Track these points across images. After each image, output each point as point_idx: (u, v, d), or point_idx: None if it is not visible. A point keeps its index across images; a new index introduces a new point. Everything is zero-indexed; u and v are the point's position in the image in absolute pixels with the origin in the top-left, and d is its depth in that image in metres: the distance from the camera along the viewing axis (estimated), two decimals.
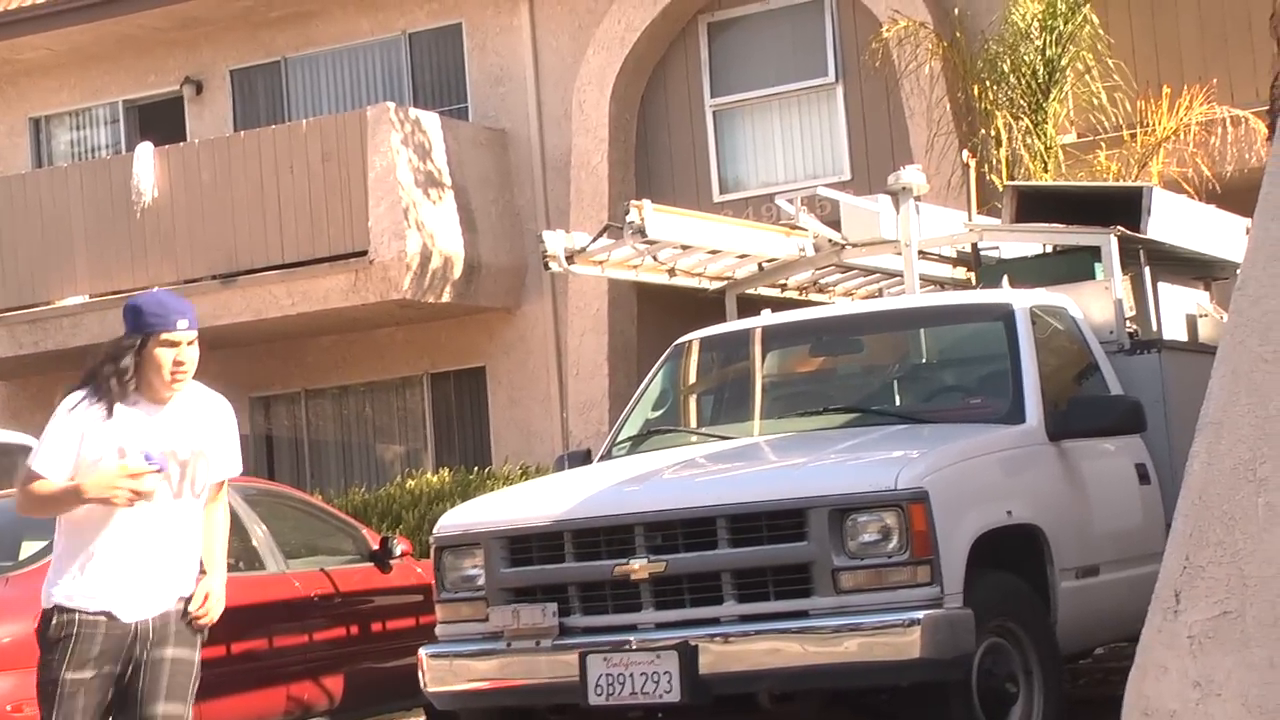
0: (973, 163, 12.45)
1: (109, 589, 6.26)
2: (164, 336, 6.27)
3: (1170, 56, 16.76)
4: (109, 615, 6.25)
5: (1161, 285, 11.02)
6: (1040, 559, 8.55)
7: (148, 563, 6.31)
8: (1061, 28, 15.41)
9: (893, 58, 17.31)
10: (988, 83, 16.02)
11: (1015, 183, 13.16)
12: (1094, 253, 10.68)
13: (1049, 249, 11.53)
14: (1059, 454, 8.99)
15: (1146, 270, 10.85)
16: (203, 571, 6.56)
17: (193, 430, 6.44)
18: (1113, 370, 9.75)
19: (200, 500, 6.48)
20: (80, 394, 6.33)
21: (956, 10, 17.27)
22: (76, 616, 6.23)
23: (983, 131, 16.19)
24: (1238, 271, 6.19)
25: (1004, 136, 15.72)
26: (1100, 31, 15.83)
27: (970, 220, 11.67)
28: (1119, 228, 10.54)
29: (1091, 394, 9.54)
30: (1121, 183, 13.86)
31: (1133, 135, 15.74)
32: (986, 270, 11.54)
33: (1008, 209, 11.64)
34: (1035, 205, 11.55)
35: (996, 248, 11.73)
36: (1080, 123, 16.99)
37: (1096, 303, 10.26)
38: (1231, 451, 5.87)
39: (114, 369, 6.28)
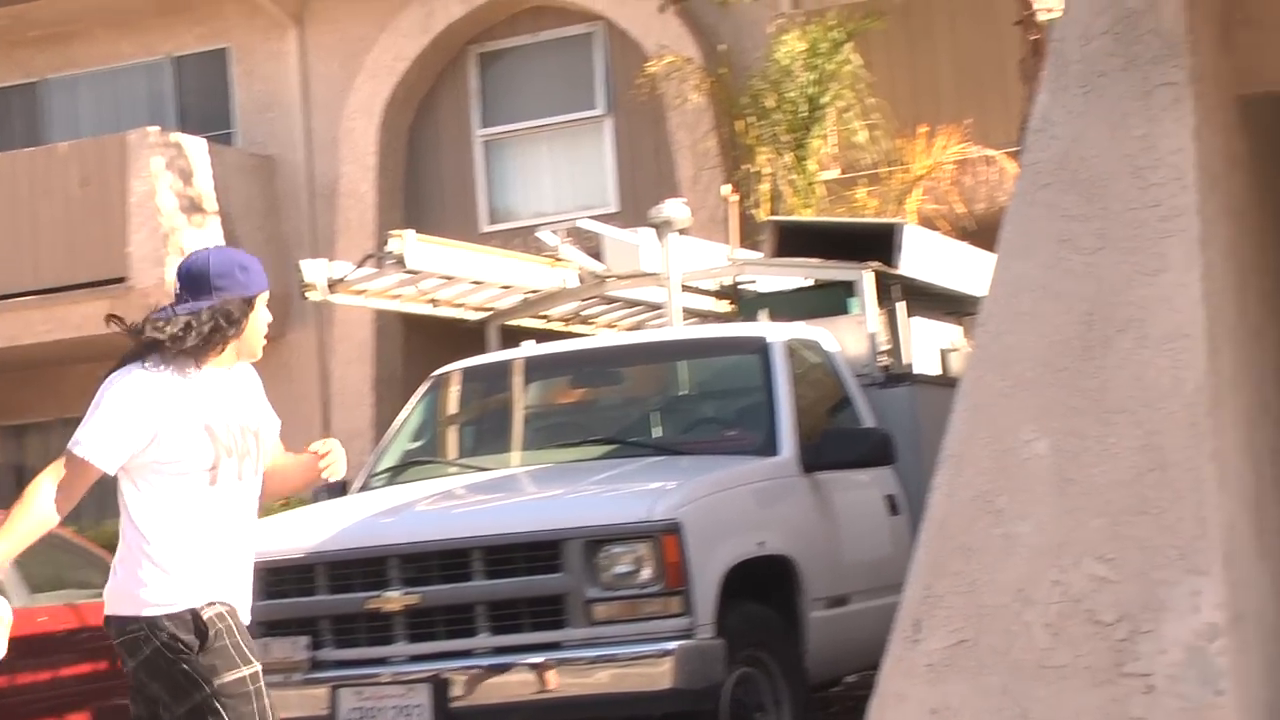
0: (734, 197, 12.63)
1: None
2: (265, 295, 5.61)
3: (928, 97, 17.14)
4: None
5: (915, 320, 11.24)
6: (791, 589, 8.68)
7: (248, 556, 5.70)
8: (824, 66, 15.70)
9: (660, 92, 17.50)
10: (752, 118, 16.28)
11: (775, 217, 13.38)
12: (850, 287, 10.88)
13: (808, 283, 11.72)
14: (812, 485, 9.14)
15: (901, 305, 11.06)
16: None
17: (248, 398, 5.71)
18: (866, 403, 9.94)
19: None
20: (144, 365, 5.43)
21: (723, 47, 17.51)
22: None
23: (747, 166, 16.43)
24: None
25: (768, 171, 15.97)
26: (861, 71, 16.15)
27: (731, 254, 11.83)
28: (874, 263, 10.77)
29: (844, 427, 9.72)
30: (878, 219, 14.13)
31: (891, 172, 16.07)
32: (746, 304, 11.72)
33: (768, 243, 11.84)
34: (795, 240, 11.76)
35: (754, 281, 11.91)
36: (842, 159, 17.32)
37: (852, 336, 10.46)
38: (971, 484, 6.02)
39: (221, 328, 5.42)
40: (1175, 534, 5.62)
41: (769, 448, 9.18)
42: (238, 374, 5.61)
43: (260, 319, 5.54)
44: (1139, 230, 5.90)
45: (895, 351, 10.93)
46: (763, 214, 15.16)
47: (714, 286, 12.11)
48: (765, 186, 15.91)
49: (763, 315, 10.65)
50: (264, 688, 5.43)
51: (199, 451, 5.37)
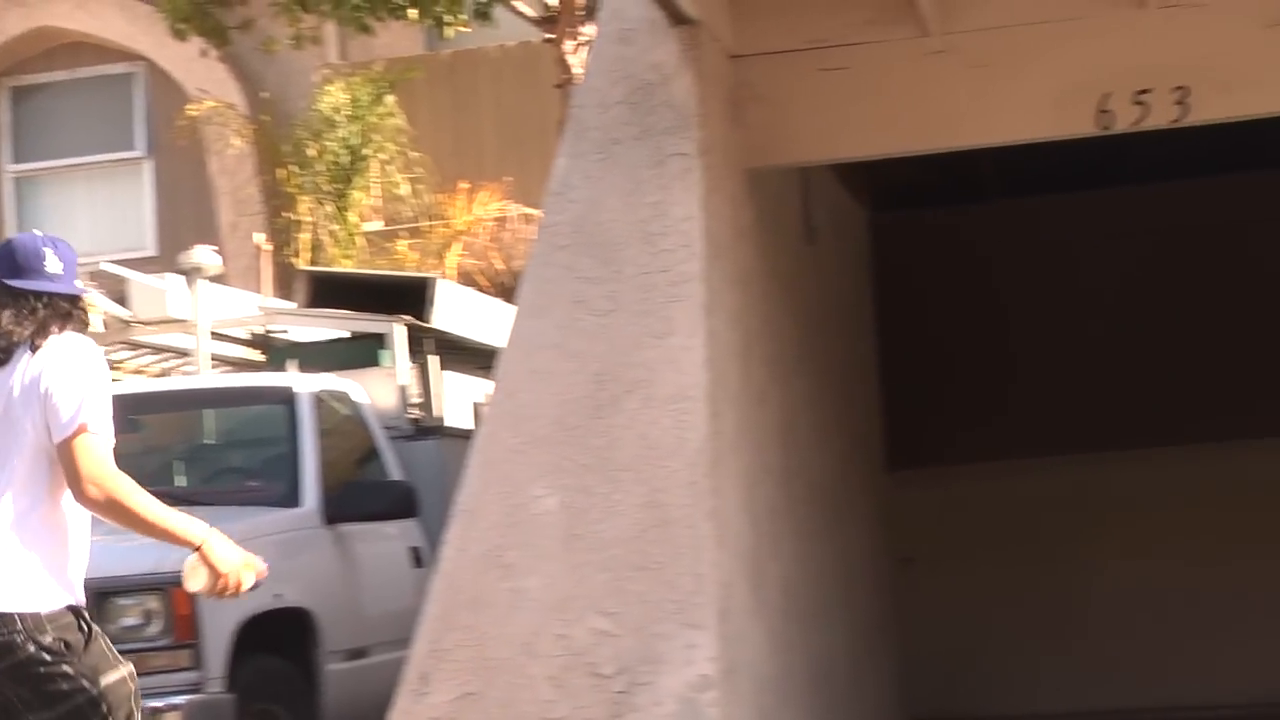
0: (268, 246, 12.56)
1: None
2: None
3: (471, 154, 17.31)
4: None
5: (448, 373, 11.34)
6: (309, 642, 8.64)
7: None
8: (366, 118, 15.69)
9: (201, 136, 17.30)
10: (295, 167, 16.18)
11: (309, 268, 13.33)
12: (382, 340, 10.92)
13: (344, 334, 11.71)
14: (335, 537, 9.11)
15: (434, 359, 11.13)
16: None
17: None
18: (394, 455, 9.96)
19: None
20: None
21: (266, 94, 17.38)
22: None
23: (288, 215, 16.33)
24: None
25: (309, 220, 15.89)
26: (404, 125, 16.21)
27: (261, 303, 11.76)
28: (406, 317, 10.84)
29: (367, 479, 9.73)
30: (411, 273, 14.18)
31: (432, 227, 16.17)
32: (276, 353, 11.63)
33: (301, 293, 11.82)
34: (330, 291, 11.76)
35: (286, 331, 11.84)
36: (384, 211, 17.36)
37: (383, 389, 10.49)
38: (482, 538, 6.10)
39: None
40: (674, 589, 5.79)
41: (291, 499, 9.11)
42: None
43: None
44: (649, 294, 6.07)
45: (427, 404, 11.00)
46: (302, 263, 15.07)
47: (246, 335, 11.99)
48: (306, 236, 15.82)
49: (292, 365, 10.62)
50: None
51: None
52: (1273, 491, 10.45)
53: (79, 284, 5.22)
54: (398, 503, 9.24)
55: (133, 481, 4.88)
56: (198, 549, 4.90)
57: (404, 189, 16.25)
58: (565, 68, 14.14)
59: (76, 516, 4.99)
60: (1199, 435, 10.59)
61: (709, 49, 6.37)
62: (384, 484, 9.58)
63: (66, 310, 5.08)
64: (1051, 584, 10.84)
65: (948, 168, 8.93)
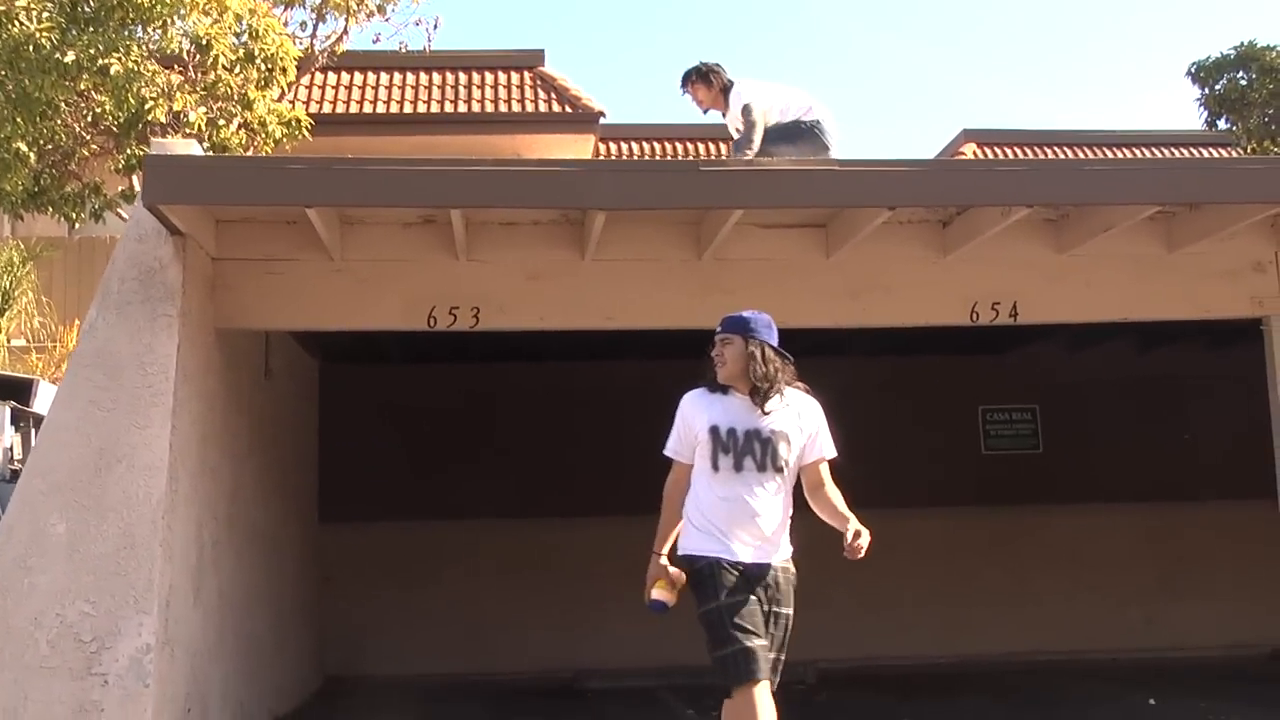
0: None
1: None
2: None
3: (86, 302, 16.30)
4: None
5: None
6: None
7: None
8: (14, 274, 14.53)
9: None
10: None
11: None
12: None
13: None
14: None
15: (33, 431, 10.43)
16: None
17: None
18: None
19: None
20: None
21: None
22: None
23: None
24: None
25: None
26: (35, 281, 15.07)
27: None
28: (12, 402, 10.22)
29: None
30: (22, 374, 13.12)
31: (55, 346, 15.08)
32: None
33: None
34: None
35: None
36: (27, 333, 16.07)
37: None
38: (14, 548, 5.77)
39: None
40: (133, 588, 5.60)
41: None
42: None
43: None
44: (137, 401, 5.93)
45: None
46: None
47: None
48: None
49: None
50: None
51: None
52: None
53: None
54: None
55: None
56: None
57: (37, 322, 15.11)
58: None
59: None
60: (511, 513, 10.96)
61: (194, 251, 6.30)
62: None
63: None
64: (419, 595, 11.01)
65: (368, 339, 8.94)
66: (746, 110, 6.69)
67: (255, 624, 7.82)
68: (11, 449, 10.12)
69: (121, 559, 5.72)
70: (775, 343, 4.54)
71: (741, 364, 4.47)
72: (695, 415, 4.51)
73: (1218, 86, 15.99)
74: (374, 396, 10.95)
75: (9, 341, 15.25)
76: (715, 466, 4.43)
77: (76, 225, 12.36)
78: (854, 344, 9.31)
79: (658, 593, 4.45)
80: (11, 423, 10.22)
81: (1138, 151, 18.83)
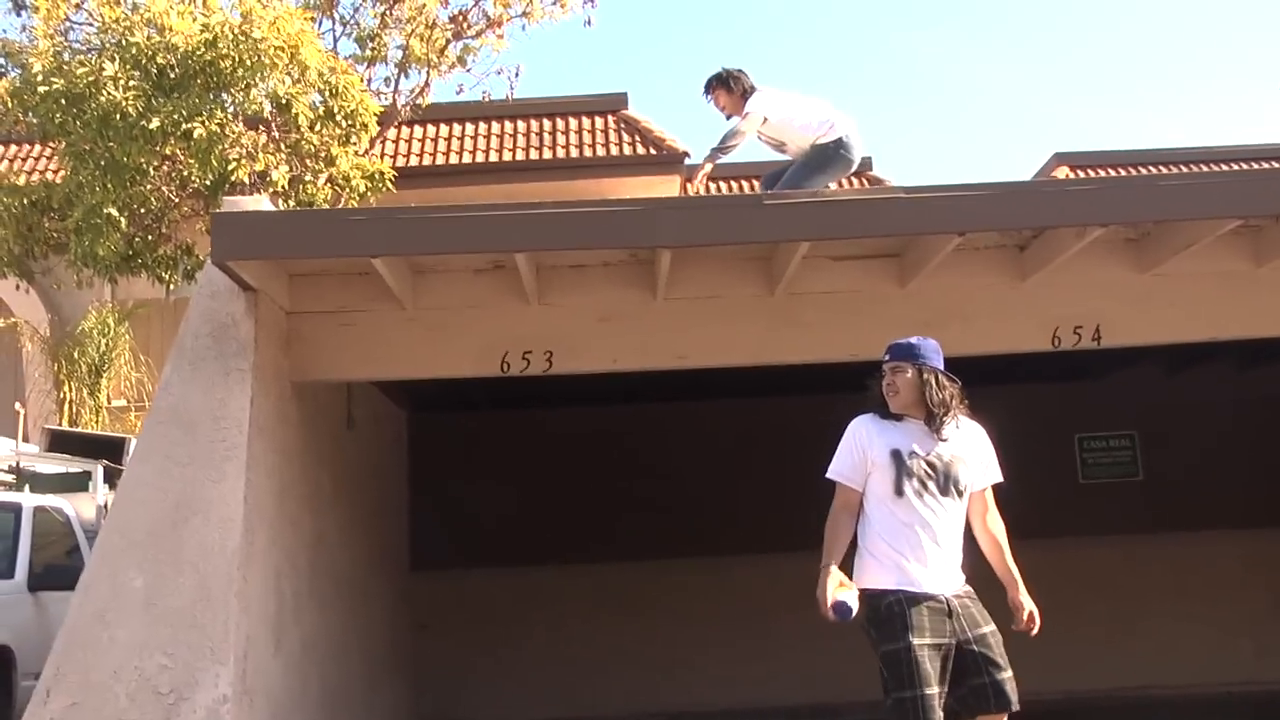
0: (22, 410, 11.89)
1: None
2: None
3: None
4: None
5: None
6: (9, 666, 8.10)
7: None
8: (110, 333, 14.99)
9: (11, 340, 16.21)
10: (65, 363, 15.33)
11: (48, 426, 12.66)
12: (90, 475, 10.47)
13: (70, 469, 11.14)
14: (35, 600, 8.59)
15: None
16: None
17: None
18: (89, 547, 9.44)
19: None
20: None
21: (53, 317, 16.41)
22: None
23: (63, 393, 15.38)
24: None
25: (72, 399, 15.03)
26: (132, 342, 15.44)
27: (15, 448, 11.12)
28: (105, 460, 10.42)
29: (62, 563, 9.19)
30: (115, 433, 13.50)
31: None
32: (24, 479, 10.99)
33: (42, 442, 11.23)
34: (63, 441, 11.22)
35: (33, 466, 11.20)
36: (128, 394, 16.45)
37: (88, 506, 10.01)
38: (93, 602, 5.83)
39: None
40: (209, 639, 5.61)
41: (9, 573, 8.56)
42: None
43: None
44: (211, 455, 5.97)
45: None
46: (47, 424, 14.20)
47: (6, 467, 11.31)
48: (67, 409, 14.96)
49: (27, 488, 10.06)
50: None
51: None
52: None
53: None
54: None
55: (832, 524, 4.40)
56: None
57: (134, 379, 15.48)
58: None
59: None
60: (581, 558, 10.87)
61: (267, 306, 6.36)
62: (70, 566, 9.10)
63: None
64: (509, 642, 10.96)
65: (455, 387, 8.97)
66: (746, 116, 6.64)
67: (343, 672, 7.80)
68: (105, 506, 10.29)
69: (198, 611, 5.73)
70: (943, 367, 4.50)
71: (916, 392, 4.44)
72: (871, 440, 4.44)
73: None
74: (461, 444, 10.95)
75: (109, 402, 15.60)
76: (899, 491, 4.37)
77: (171, 287, 12.62)
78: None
79: (842, 594, 4.28)
80: (105, 480, 10.40)
81: (1230, 166, 18.29)
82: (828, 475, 4.45)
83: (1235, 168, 18.22)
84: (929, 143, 49.81)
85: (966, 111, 51.24)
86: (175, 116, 10.22)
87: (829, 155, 6.69)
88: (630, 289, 6.59)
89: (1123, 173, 18.75)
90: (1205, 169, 18.41)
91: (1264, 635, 11.02)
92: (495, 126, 16.03)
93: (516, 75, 13.45)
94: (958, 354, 6.66)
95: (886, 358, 4.52)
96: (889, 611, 4.28)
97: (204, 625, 5.71)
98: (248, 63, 10.46)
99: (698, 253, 6.31)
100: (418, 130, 15.93)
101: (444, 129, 15.97)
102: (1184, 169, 18.82)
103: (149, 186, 10.82)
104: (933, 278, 6.49)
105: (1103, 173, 19.05)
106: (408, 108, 13.14)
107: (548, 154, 15.61)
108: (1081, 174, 19.05)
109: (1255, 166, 17.89)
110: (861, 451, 4.43)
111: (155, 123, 10.26)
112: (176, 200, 11.37)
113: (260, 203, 6.50)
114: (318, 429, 7.33)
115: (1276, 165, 17.72)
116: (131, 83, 10.35)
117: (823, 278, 6.54)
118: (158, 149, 10.49)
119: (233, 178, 10.31)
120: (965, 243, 6.37)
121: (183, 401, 6.11)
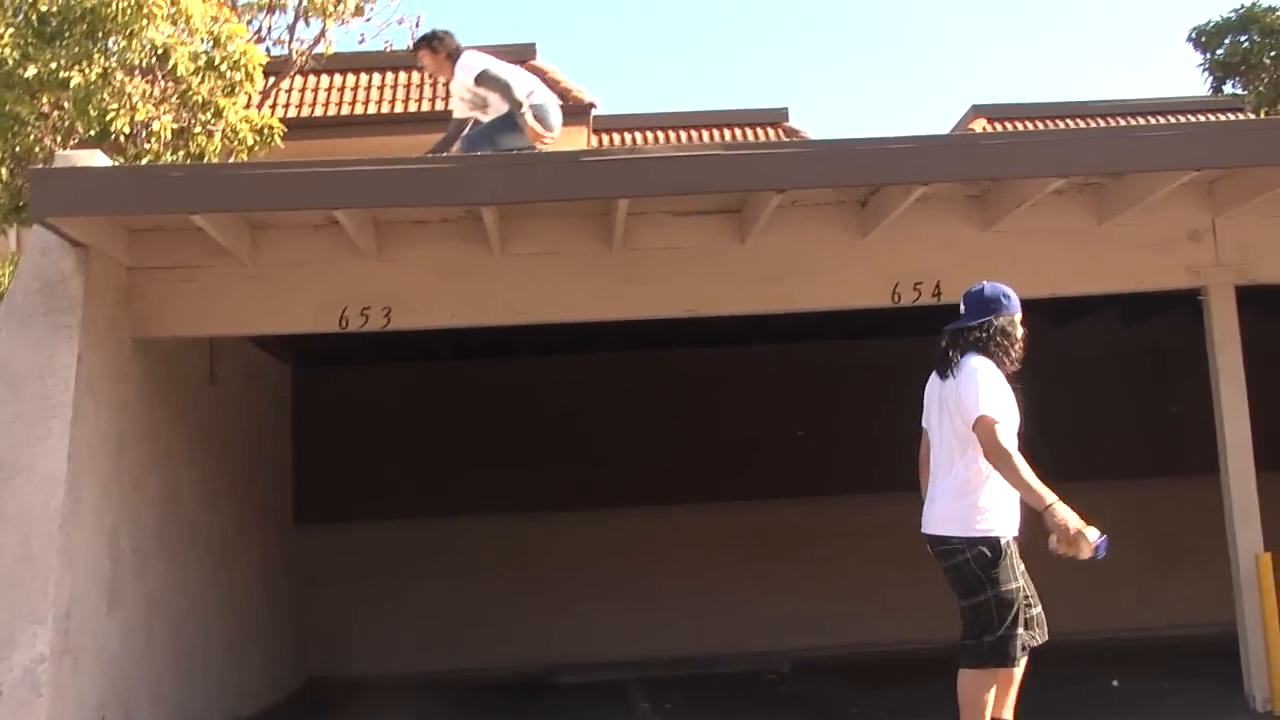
0: None
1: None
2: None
3: None
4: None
5: None
6: None
7: None
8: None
9: None
10: None
11: None
12: None
13: None
14: None
15: None
16: None
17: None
18: None
19: None
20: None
21: None
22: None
23: None
24: None
25: None
26: None
27: None
28: None
29: None
30: None
31: None
32: None
33: None
34: None
35: None
36: None
37: None
38: None
39: (1011, 342, 4.72)
40: (29, 600, 5.57)
41: None
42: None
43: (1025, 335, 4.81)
44: (38, 412, 5.91)
45: None
46: None
47: None
48: None
49: None
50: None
51: None
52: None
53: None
54: None
55: (1016, 456, 4.47)
56: (1046, 509, 4.35)
57: None
58: None
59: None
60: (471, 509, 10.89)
61: (102, 262, 6.26)
62: None
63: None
64: (400, 595, 10.98)
65: (338, 341, 8.77)
66: (484, 75, 6.55)
67: (202, 629, 7.77)
68: None
69: (18, 572, 5.67)
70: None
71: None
72: (1007, 389, 4.63)
73: (1219, 51, 15.52)
74: (347, 398, 10.91)
75: None
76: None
77: None
78: (765, 330, 9.13)
79: (1092, 532, 4.38)
80: None
81: (1148, 120, 18.36)
82: (986, 412, 4.48)
83: (1153, 121, 18.29)
84: (854, 93, 49.76)
85: (894, 60, 51.21)
86: (53, 65, 10.00)
87: (516, 122, 6.58)
88: (469, 245, 6.55)
89: (1040, 126, 18.80)
90: (1126, 122, 18.47)
91: (1146, 584, 11.21)
92: (401, 77, 15.85)
93: (417, 25, 13.26)
94: (799, 309, 6.73)
95: (1011, 310, 4.70)
96: (1008, 554, 4.59)
97: (24, 585, 5.65)
98: (128, 10, 10.24)
99: (533, 208, 6.28)
100: (324, 80, 15.72)
101: (349, 79, 15.77)
102: (1103, 122, 18.88)
103: (32, 137, 10.60)
104: (773, 233, 6.50)
105: (1020, 125, 19.09)
106: (306, 57, 12.94)
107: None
108: (998, 126, 19.09)
109: (1172, 120, 17.97)
110: (1008, 396, 4.59)
111: (32, 70, 10.04)
112: (63, 152, 11.13)
113: (94, 158, 6.40)
114: (171, 385, 7.26)
115: (1193, 118, 17.82)
116: (10, 30, 10.12)
117: (662, 233, 6.54)
118: (36, 98, 10.26)
119: (112, 128, 10.11)
120: (803, 198, 6.38)
121: (10, 358, 6.02)
